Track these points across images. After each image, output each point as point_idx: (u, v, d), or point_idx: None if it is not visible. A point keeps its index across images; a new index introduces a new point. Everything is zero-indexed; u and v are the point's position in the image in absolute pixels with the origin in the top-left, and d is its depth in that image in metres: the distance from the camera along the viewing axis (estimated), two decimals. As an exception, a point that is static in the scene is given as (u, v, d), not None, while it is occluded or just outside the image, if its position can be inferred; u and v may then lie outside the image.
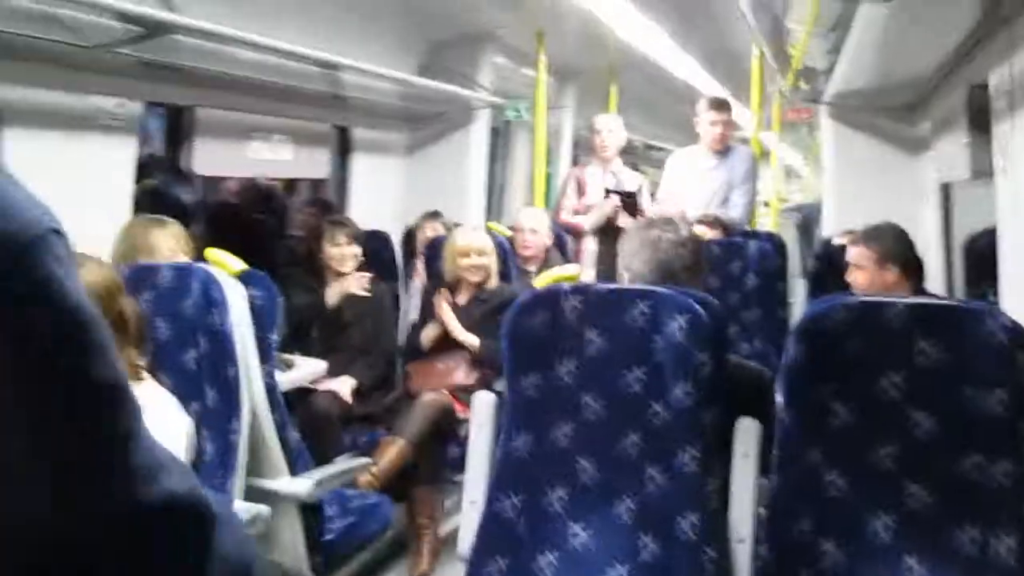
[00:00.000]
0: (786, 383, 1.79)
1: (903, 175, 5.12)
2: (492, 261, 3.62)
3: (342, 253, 3.68)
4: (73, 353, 0.51)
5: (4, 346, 0.48)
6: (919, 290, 2.91)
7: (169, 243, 2.72)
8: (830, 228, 5.33)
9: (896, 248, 2.87)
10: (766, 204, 7.70)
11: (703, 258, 2.22)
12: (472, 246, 3.59)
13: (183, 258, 2.70)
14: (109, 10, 2.59)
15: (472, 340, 3.48)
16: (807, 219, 8.25)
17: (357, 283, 3.68)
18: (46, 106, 2.77)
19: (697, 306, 1.86)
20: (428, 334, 3.59)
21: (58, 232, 0.53)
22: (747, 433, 1.87)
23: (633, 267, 2.17)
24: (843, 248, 3.68)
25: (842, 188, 5.47)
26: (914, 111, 4.77)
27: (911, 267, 2.89)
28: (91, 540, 0.52)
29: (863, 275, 2.90)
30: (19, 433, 0.49)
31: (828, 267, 3.63)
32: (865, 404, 1.75)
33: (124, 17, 2.69)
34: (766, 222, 6.73)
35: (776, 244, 4.19)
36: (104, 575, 0.53)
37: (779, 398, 1.80)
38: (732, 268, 3.79)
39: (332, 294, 3.69)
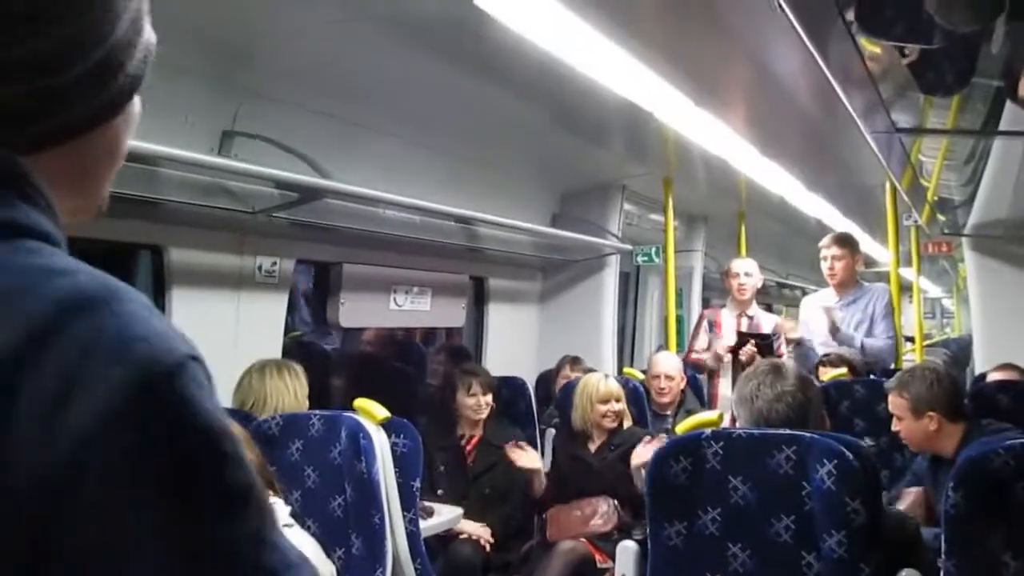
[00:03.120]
0: (947, 531, 1.69)
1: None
2: (624, 407, 3.62)
3: (477, 403, 3.74)
4: (210, 464, 0.55)
5: (147, 469, 0.52)
6: (976, 427, 2.66)
7: (288, 389, 2.84)
8: (981, 363, 5.08)
9: (930, 395, 2.66)
10: (910, 339, 7.40)
11: (811, 409, 2.08)
12: (611, 392, 3.59)
13: (303, 404, 2.84)
14: (268, 179, 2.83)
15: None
16: (955, 355, 7.89)
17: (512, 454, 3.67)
18: (209, 266, 3.02)
19: (845, 451, 1.81)
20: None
21: (196, 358, 0.57)
22: (909, 586, 1.77)
23: (740, 421, 2.13)
24: (998, 385, 3.50)
25: (992, 321, 5.24)
26: (1063, 241, 4.58)
27: (954, 410, 2.68)
28: None
29: (901, 425, 2.74)
30: (153, 543, 0.52)
31: (981, 405, 3.43)
32: (1038, 555, 1.63)
33: (280, 184, 2.93)
34: (912, 358, 6.45)
35: (924, 382, 3.99)
36: None
37: (942, 547, 1.70)
38: (879, 409, 3.63)
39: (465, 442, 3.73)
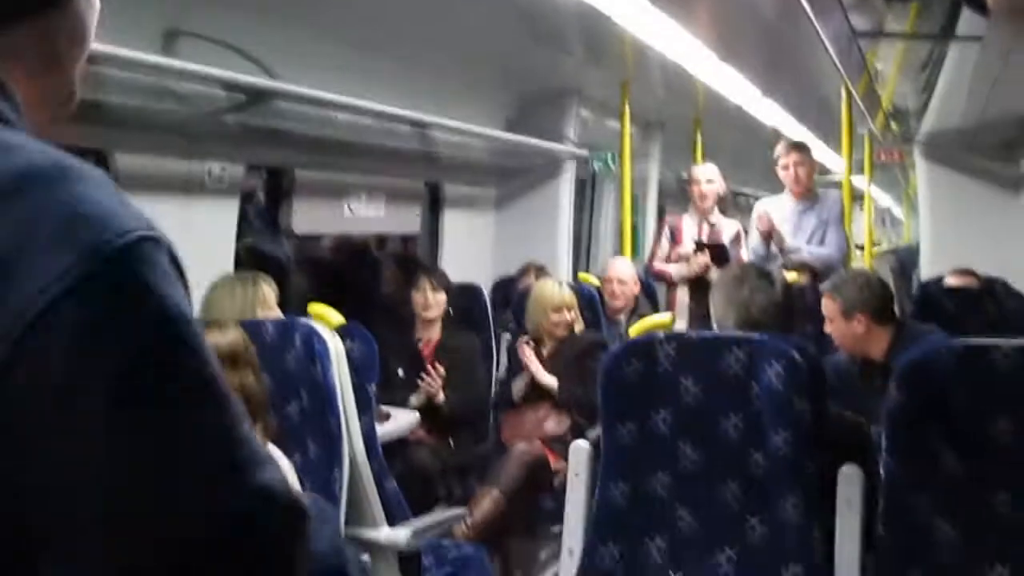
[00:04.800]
0: (889, 429, 1.75)
1: (1004, 215, 4.98)
2: (575, 316, 3.66)
3: (425, 299, 3.74)
4: (162, 352, 0.52)
5: (97, 351, 0.49)
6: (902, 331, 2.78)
7: (272, 295, 2.81)
8: (928, 271, 5.19)
9: (860, 297, 2.75)
10: (860, 247, 7.53)
11: (795, 309, 2.20)
12: (564, 301, 3.62)
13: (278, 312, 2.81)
14: (215, 80, 2.74)
15: (551, 382, 3.49)
16: (903, 262, 8.06)
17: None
18: (157, 172, 2.94)
19: (794, 352, 1.85)
20: (518, 386, 3.62)
21: (152, 239, 0.55)
22: (850, 481, 1.84)
23: (725, 325, 2.16)
24: (946, 290, 3.58)
25: (939, 230, 5.34)
26: (1012, 149, 4.64)
27: (882, 313, 2.78)
28: (187, 536, 0.51)
29: (832, 327, 2.83)
30: (114, 434, 0.50)
31: (927, 310, 3.52)
32: (975, 451, 1.70)
33: (228, 86, 2.84)
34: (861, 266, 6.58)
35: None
36: (198, 570, 0.52)
37: (883, 444, 1.76)
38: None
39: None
